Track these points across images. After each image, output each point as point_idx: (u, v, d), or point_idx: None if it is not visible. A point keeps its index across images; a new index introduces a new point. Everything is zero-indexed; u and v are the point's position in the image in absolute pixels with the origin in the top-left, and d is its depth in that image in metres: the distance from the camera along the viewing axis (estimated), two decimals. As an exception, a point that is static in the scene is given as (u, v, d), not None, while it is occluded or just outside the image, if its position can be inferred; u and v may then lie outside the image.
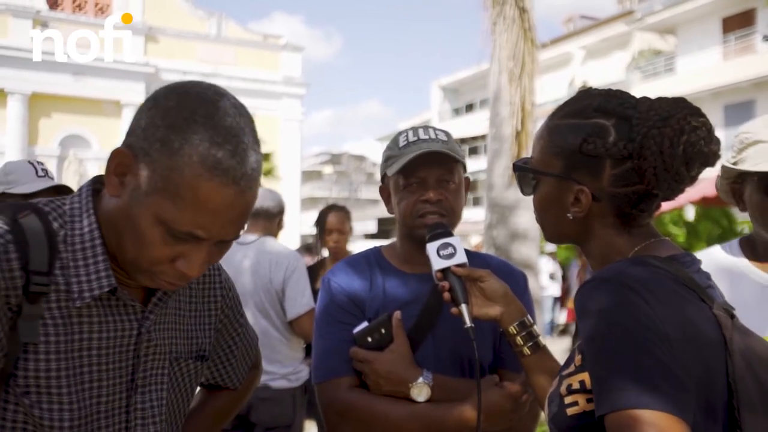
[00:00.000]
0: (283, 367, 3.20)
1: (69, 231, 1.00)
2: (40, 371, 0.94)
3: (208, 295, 1.23)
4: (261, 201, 3.32)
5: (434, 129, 1.62)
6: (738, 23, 20.96)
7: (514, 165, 1.22)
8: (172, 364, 1.11)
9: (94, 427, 1.00)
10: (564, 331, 11.42)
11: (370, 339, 1.52)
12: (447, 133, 1.62)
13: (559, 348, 10.48)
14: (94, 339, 0.99)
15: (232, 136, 0.92)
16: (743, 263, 1.60)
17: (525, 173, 1.19)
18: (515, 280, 1.54)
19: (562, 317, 11.50)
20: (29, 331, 0.93)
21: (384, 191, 1.66)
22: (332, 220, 3.96)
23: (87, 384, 0.99)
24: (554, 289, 11.91)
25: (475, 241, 11.59)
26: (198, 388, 1.27)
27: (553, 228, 1.17)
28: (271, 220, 3.38)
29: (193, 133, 0.91)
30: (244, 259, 3.21)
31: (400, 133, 1.62)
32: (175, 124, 0.92)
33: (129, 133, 0.97)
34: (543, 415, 1.20)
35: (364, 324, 1.54)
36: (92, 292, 0.98)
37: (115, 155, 0.95)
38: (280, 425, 3.17)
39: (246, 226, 3.35)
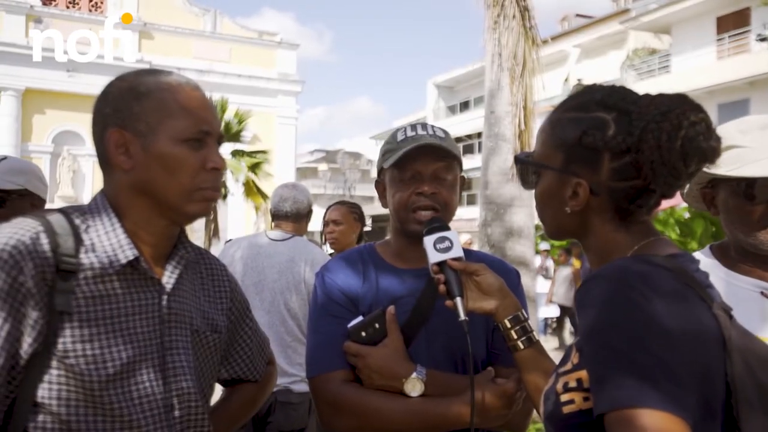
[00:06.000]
0: (304, 370, 3.15)
1: (91, 223, 1.19)
2: (75, 337, 1.10)
3: (218, 284, 1.41)
4: (293, 201, 3.36)
5: (432, 126, 1.64)
6: (732, 23, 21.02)
7: (515, 158, 1.22)
8: (193, 335, 1.28)
9: (131, 383, 1.15)
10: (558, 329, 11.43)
11: (363, 334, 1.52)
12: (445, 131, 1.64)
13: (552, 346, 10.52)
14: (121, 308, 1.16)
15: (166, 70, 1.27)
16: (721, 269, 1.57)
17: (526, 167, 1.20)
18: (508, 276, 1.54)
19: (550, 311, 11.51)
20: (63, 302, 1.10)
21: (380, 186, 1.68)
22: (329, 213, 4.08)
23: (121, 346, 1.15)
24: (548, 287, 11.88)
25: (464, 239, 11.58)
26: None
27: (552, 222, 1.17)
28: (301, 219, 3.40)
29: (146, 78, 1.22)
30: (275, 256, 3.21)
31: (398, 129, 1.64)
32: (132, 85, 1.20)
33: (103, 125, 1.21)
34: (538, 413, 1.19)
35: (359, 319, 1.55)
36: (120, 261, 1.16)
37: (108, 140, 1.19)
38: (294, 429, 3.12)
39: (273, 224, 3.37)
